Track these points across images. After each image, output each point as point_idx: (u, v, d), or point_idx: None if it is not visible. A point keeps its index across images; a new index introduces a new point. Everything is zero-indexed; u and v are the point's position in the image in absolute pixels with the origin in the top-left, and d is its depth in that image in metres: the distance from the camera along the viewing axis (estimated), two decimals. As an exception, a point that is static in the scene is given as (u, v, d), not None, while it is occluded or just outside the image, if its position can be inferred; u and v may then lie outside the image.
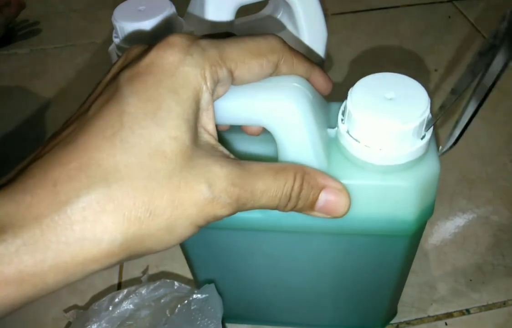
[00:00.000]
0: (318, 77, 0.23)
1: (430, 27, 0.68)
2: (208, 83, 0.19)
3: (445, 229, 0.42)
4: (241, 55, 0.20)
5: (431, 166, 0.23)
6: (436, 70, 0.59)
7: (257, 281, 0.32)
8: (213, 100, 0.19)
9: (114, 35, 0.37)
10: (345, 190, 0.22)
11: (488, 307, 0.37)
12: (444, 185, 0.46)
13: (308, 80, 0.22)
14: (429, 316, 0.37)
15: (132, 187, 0.17)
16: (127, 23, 0.35)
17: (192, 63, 0.18)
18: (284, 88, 0.21)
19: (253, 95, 0.21)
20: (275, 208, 0.20)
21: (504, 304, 0.37)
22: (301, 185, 0.20)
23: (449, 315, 0.36)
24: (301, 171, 0.21)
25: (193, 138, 0.18)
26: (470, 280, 0.38)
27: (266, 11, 0.46)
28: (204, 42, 0.19)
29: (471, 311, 0.37)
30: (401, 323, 0.36)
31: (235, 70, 0.19)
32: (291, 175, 0.20)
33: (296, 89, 0.21)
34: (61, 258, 0.16)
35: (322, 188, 0.21)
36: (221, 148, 0.20)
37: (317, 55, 0.42)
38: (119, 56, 0.38)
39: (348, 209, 0.22)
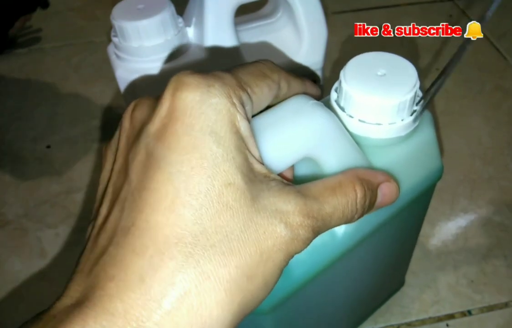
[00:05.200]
0: (312, 88, 0.23)
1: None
2: (239, 109, 0.17)
3: (447, 229, 0.42)
4: (251, 78, 0.19)
5: (427, 117, 0.26)
6: (437, 68, 0.59)
7: (314, 311, 0.30)
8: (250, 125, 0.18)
9: (112, 34, 0.37)
10: (391, 177, 0.22)
11: (490, 308, 0.37)
12: (446, 185, 0.45)
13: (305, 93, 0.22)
14: (430, 317, 0.36)
15: (219, 254, 0.15)
16: (125, 22, 0.35)
17: (217, 93, 0.16)
18: (309, 112, 0.20)
19: (286, 132, 0.20)
20: (344, 223, 0.19)
21: (506, 305, 0.37)
22: (364, 194, 0.19)
23: (451, 316, 0.36)
24: (357, 180, 0.19)
25: (245, 176, 0.16)
26: (472, 281, 0.38)
27: (265, 10, 0.46)
28: (217, 72, 0.17)
29: (473, 312, 0.36)
30: (402, 324, 0.36)
31: (252, 94, 0.18)
32: (350, 187, 0.19)
33: (317, 105, 0.21)
34: None
35: (377, 185, 0.21)
36: (273, 175, 0.18)
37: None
38: (117, 55, 0.37)
39: (399, 193, 0.22)
